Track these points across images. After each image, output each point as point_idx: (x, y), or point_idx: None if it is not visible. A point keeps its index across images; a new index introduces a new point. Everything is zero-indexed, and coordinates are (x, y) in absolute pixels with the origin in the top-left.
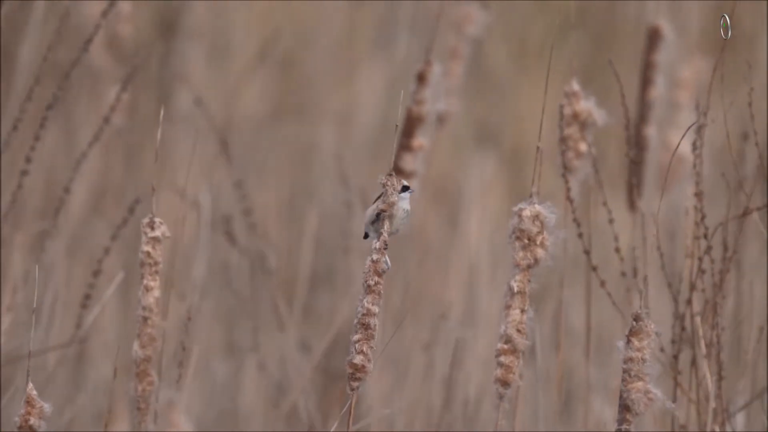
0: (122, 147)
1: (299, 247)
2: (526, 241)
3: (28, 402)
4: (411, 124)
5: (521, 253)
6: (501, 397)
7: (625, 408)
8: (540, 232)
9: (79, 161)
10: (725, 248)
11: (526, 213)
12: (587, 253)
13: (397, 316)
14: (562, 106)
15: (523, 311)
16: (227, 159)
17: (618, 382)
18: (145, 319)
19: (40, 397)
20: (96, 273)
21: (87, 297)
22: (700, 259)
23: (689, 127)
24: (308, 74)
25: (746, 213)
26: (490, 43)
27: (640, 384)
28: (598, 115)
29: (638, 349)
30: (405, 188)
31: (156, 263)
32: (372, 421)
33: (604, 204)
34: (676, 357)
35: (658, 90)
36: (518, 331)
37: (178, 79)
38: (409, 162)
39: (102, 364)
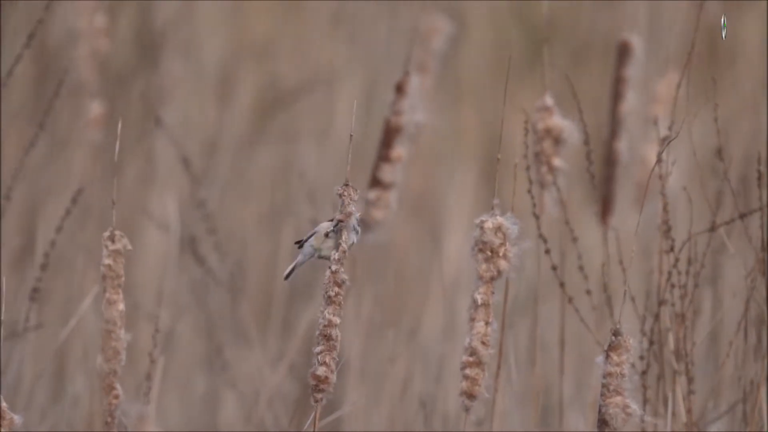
0: (101, 161)
1: (276, 261)
2: (488, 253)
3: None
4: (389, 135)
5: (484, 266)
6: (467, 409)
7: (603, 423)
8: (503, 244)
9: (16, 169)
10: (689, 263)
11: (488, 225)
12: (554, 268)
13: (374, 330)
14: (525, 123)
15: (487, 323)
16: (191, 177)
17: (593, 397)
18: (109, 332)
19: (18, 410)
20: (43, 266)
21: (35, 290)
22: (669, 273)
23: (667, 142)
24: (287, 90)
25: (714, 228)
26: (468, 56)
27: (618, 399)
28: (571, 131)
29: (617, 364)
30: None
31: (118, 276)
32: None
33: (566, 223)
34: (644, 372)
35: (629, 105)
36: (483, 343)
37: (158, 95)
38: (388, 173)
39: (80, 376)
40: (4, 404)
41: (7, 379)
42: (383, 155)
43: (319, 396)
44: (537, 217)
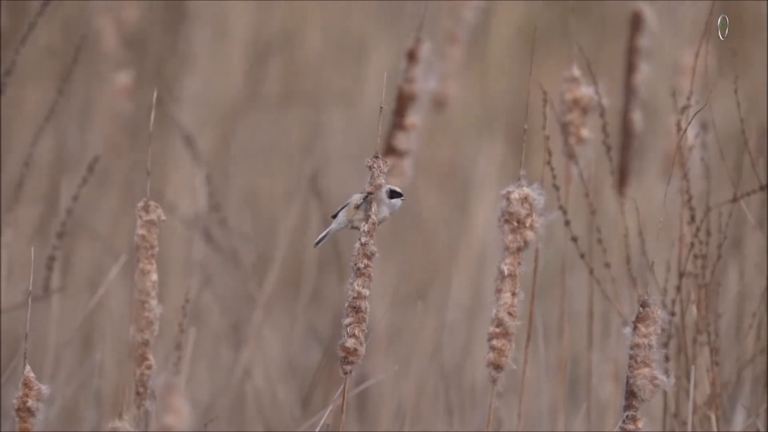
0: (127, 130)
1: (306, 232)
2: (515, 223)
3: (26, 384)
4: (402, 103)
5: (511, 236)
6: (494, 380)
7: (631, 394)
8: (529, 215)
9: (36, 135)
10: (708, 234)
11: (515, 196)
12: (575, 240)
13: (401, 301)
14: (544, 94)
15: (514, 294)
16: (194, 155)
17: (619, 368)
18: (143, 302)
19: (45, 380)
20: (60, 235)
21: (51, 258)
22: (692, 244)
23: (684, 112)
24: (314, 57)
25: (735, 199)
26: (496, 27)
27: (646, 370)
28: (599, 101)
29: (645, 336)
30: (396, 195)
31: (152, 246)
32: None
33: (586, 195)
34: (666, 344)
35: (643, 75)
36: (509, 314)
37: (182, 63)
38: (402, 141)
39: (109, 346)
40: (31, 374)
41: (33, 346)
42: (397, 123)
43: (348, 368)
44: (557, 188)
